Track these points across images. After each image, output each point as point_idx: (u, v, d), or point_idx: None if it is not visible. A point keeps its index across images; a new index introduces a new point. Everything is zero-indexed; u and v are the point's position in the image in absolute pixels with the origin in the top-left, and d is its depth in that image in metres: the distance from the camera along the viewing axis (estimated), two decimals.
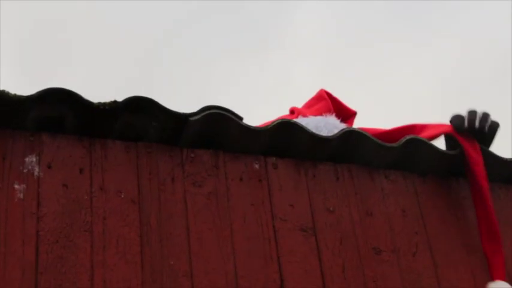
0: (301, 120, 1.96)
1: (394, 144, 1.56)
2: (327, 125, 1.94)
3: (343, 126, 1.98)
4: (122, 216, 1.29)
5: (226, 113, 1.41)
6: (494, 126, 1.68)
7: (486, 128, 1.64)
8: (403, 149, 1.57)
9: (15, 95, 1.25)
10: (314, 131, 1.90)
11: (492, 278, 1.52)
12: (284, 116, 2.06)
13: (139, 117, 1.35)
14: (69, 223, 1.24)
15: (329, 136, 1.51)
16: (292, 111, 2.09)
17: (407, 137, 1.58)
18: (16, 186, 1.23)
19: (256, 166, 1.46)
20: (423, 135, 1.64)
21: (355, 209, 1.50)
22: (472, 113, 1.65)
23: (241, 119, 1.45)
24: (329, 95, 2.12)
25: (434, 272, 1.50)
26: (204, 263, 1.31)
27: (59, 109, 1.29)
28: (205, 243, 1.32)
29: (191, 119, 1.38)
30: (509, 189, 1.70)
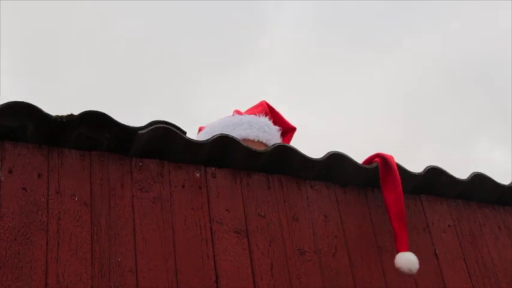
0: (235, 117, 2.07)
1: (318, 158, 1.66)
2: (258, 122, 2.06)
3: (273, 127, 2.10)
4: (75, 217, 1.35)
5: (171, 127, 1.48)
6: None
7: None
8: (326, 163, 1.67)
9: None
10: (247, 126, 2.04)
11: (398, 250, 1.64)
12: (226, 116, 2.13)
13: (93, 129, 1.41)
14: (27, 223, 1.30)
15: (262, 150, 1.60)
16: (234, 113, 2.17)
17: (331, 152, 1.69)
18: None
19: (197, 175, 1.54)
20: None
21: (284, 214, 1.59)
22: None
23: (184, 133, 1.52)
24: (270, 107, 2.19)
25: (351, 270, 1.61)
26: (148, 260, 1.37)
27: (20, 120, 1.34)
28: (149, 243, 1.39)
29: (140, 132, 1.45)
30: (417, 199, 1.84)
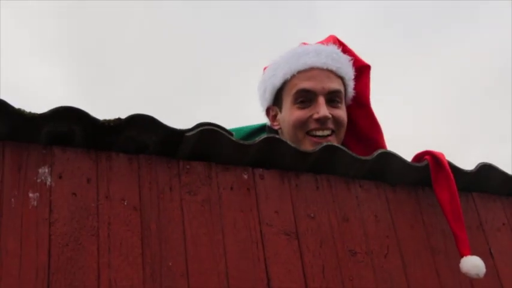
0: (301, 47, 1.97)
1: (367, 157, 1.61)
2: (326, 50, 1.94)
3: (344, 55, 1.97)
4: (125, 221, 1.33)
5: (218, 129, 1.45)
6: None
7: None
8: (375, 162, 1.63)
9: (29, 112, 1.29)
10: (313, 54, 1.91)
11: (462, 254, 1.58)
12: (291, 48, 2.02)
13: (140, 132, 1.39)
14: (78, 228, 1.28)
15: (310, 150, 1.56)
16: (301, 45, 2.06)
17: (380, 151, 1.64)
18: (30, 195, 1.27)
19: (245, 176, 1.50)
20: None
21: (333, 215, 1.55)
22: None
23: (232, 134, 1.49)
24: (340, 41, 2.05)
25: (404, 271, 1.56)
26: (198, 264, 1.35)
27: (69, 125, 1.33)
28: (199, 246, 1.37)
29: (187, 134, 1.42)
30: (469, 197, 1.77)
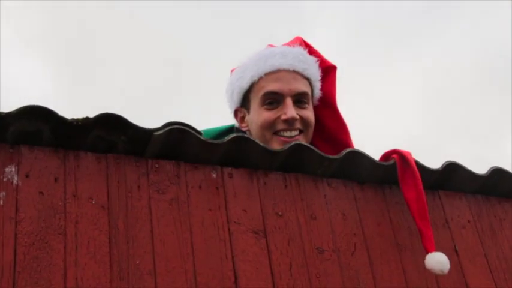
0: (267, 49, 1.98)
1: (336, 156, 1.63)
2: (292, 52, 1.95)
3: (310, 57, 1.99)
4: (93, 220, 1.33)
5: (187, 128, 1.46)
6: None
7: None
8: (344, 160, 1.64)
9: None
10: (280, 56, 1.93)
11: (427, 251, 1.59)
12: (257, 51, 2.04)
13: (109, 131, 1.39)
14: (45, 227, 1.28)
15: (278, 149, 1.57)
16: (268, 47, 2.07)
17: (348, 150, 1.65)
18: None
19: (214, 175, 1.51)
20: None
21: (301, 213, 1.56)
22: None
23: (200, 133, 1.49)
24: (306, 43, 2.06)
25: (370, 268, 1.58)
26: (166, 262, 1.35)
27: (36, 124, 1.32)
28: (167, 245, 1.37)
29: (155, 133, 1.43)
30: (435, 195, 1.79)
